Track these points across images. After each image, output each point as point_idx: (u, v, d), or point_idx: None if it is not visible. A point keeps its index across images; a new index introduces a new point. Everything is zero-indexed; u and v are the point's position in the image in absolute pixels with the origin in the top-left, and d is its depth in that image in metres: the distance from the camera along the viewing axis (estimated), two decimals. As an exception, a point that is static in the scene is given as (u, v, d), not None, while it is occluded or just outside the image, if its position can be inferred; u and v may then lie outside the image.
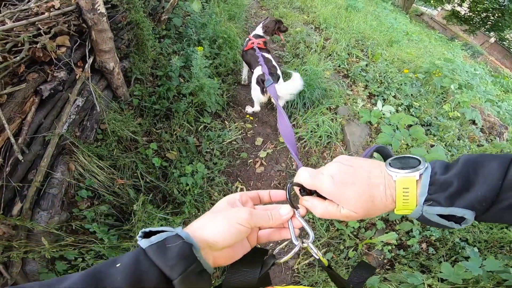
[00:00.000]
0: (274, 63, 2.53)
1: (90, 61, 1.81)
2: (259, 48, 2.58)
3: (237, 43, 3.26)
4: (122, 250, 1.58)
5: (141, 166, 1.92)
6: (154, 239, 0.37)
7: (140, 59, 2.32)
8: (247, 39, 2.77)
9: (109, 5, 1.87)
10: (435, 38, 7.51)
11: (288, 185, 0.46)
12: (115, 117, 1.97)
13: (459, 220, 0.39)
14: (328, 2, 5.68)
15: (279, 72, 2.48)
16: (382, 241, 1.92)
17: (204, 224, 0.41)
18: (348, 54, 3.77)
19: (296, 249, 0.44)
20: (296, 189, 0.48)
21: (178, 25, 2.82)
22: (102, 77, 2.01)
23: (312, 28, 4.54)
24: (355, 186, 0.42)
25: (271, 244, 1.90)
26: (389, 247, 1.92)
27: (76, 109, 1.74)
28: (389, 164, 0.43)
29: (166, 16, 2.67)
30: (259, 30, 2.79)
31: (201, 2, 3.47)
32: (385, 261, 1.91)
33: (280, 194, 0.51)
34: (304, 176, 0.46)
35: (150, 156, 2.00)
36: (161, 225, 1.74)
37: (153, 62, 2.49)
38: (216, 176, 2.17)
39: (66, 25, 1.59)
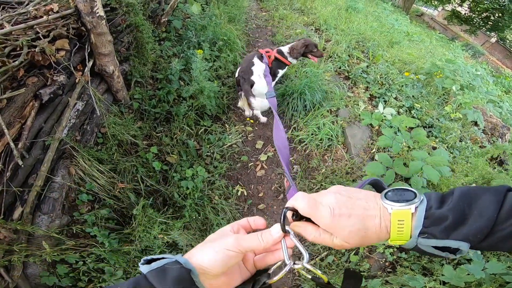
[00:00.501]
0: (256, 68, 2.39)
1: (89, 64, 1.81)
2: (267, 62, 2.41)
3: (237, 45, 3.25)
4: (122, 253, 1.58)
5: (142, 170, 1.91)
6: (155, 265, 0.39)
7: (140, 62, 2.32)
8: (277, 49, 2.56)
9: (108, 8, 1.87)
10: (436, 39, 7.49)
11: (283, 210, 0.46)
12: (115, 121, 1.97)
13: (454, 250, 0.40)
14: (328, 3, 5.67)
15: (254, 77, 2.37)
16: (384, 244, 1.89)
17: (194, 253, 0.43)
18: (349, 56, 3.76)
19: (286, 269, 0.44)
20: (289, 213, 0.47)
21: (178, 27, 2.81)
22: (102, 80, 2.01)
23: (312, 29, 4.53)
24: (351, 218, 0.43)
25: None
26: (391, 250, 1.91)
27: (76, 113, 1.74)
28: (385, 196, 0.44)
29: (166, 19, 2.67)
30: (286, 49, 2.53)
31: (201, 4, 3.46)
32: (387, 264, 1.89)
33: (259, 222, 0.50)
34: (301, 204, 0.46)
35: (150, 160, 1.99)
36: (162, 229, 1.75)
37: (153, 65, 2.48)
38: (216, 179, 2.16)
39: (65, 28, 1.59)
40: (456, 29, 12.02)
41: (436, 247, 0.40)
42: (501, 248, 0.39)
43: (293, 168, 2.41)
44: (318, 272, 0.45)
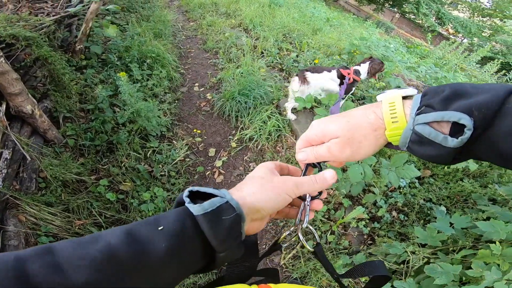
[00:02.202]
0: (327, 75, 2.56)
1: (2, 107, 1.65)
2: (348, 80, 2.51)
3: (168, 60, 3.20)
4: None
5: (96, 204, 1.84)
6: (208, 206, 0.33)
7: (63, 95, 2.16)
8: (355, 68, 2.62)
9: (3, 45, 1.71)
10: (352, 20, 8.25)
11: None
12: (51, 163, 1.84)
13: (457, 133, 0.33)
14: (252, 2, 5.84)
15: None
16: (354, 218, 1.91)
17: (255, 193, 0.39)
18: (279, 49, 3.96)
19: (292, 229, 0.47)
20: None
21: (98, 52, 2.66)
22: (23, 123, 1.85)
23: (240, 30, 4.67)
24: (334, 118, 0.43)
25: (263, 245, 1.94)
26: (363, 222, 1.95)
27: (5, 162, 1.60)
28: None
29: (81, 46, 2.51)
30: (363, 69, 2.59)
31: (121, 25, 3.33)
32: (365, 236, 1.95)
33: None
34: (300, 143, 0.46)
35: (103, 193, 1.92)
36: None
37: (79, 96, 2.33)
38: (177, 195, 2.12)
39: (-42, 72, 1.43)
40: (367, 9, 13.36)
41: (434, 128, 0.34)
42: (504, 148, 0.31)
43: (249, 166, 2.48)
44: (314, 231, 0.48)
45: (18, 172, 1.68)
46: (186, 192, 0.36)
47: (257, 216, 0.38)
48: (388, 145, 0.41)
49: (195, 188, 0.36)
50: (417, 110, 0.35)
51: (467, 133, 0.32)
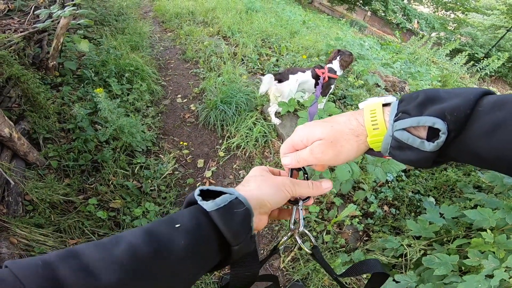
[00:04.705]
0: (300, 76, 2.56)
1: (-21, 133, 1.58)
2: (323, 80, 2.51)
3: (147, 72, 3.14)
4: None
5: (88, 223, 1.82)
6: (220, 201, 0.35)
7: (40, 115, 2.08)
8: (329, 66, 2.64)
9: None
10: (327, 21, 8.47)
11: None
12: (36, 186, 1.79)
13: (433, 137, 0.35)
14: (228, 9, 5.85)
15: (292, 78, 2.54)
16: (347, 216, 1.94)
17: (260, 187, 0.42)
18: (259, 55, 3.99)
19: (290, 234, 0.49)
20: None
21: (73, 68, 2.57)
22: (3, 147, 1.80)
23: (219, 38, 4.67)
24: (318, 123, 0.45)
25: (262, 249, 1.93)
26: (357, 219, 1.97)
27: None
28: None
29: (54, 62, 2.42)
30: (335, 65, 2.63)
31: (94, 39, 3.24)
32: (360, 233, 1.97)
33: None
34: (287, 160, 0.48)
35: (93, 211, 1.89)
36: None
37: (58, 116, 2.24)
38: (170, 209, 2.11)
39: None
40: (341, 9, 13.73)
41: (412, 133, 0.35)
42: (482, 146, 0.32)
43: (239, 174, 2.47)
44: (310, 235, 0.50)
45: (3, 197, 1.68)
46: (197, 191, 0.37)
47: (264, 210, 0.40)
48: (370, 152, 0.43)
49: (205, 187, 0.38)
50: (395, 116, 0.37)
51: (442, 137, 0.33)
